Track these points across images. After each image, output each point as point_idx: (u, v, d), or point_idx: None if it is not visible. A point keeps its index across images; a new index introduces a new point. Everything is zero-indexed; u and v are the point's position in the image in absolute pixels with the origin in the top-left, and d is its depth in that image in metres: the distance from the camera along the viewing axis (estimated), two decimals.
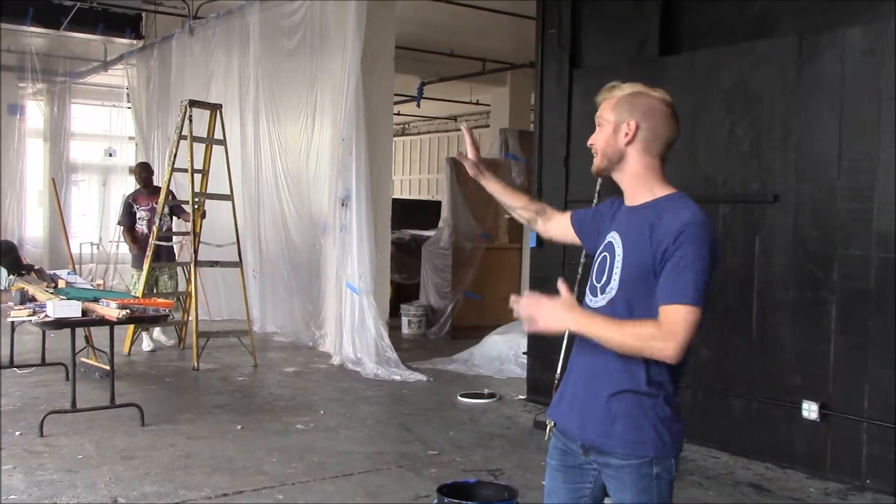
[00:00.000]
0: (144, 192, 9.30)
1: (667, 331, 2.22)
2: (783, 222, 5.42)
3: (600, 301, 2.40)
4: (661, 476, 2.32)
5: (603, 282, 2.41)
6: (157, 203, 8.83)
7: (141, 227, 9.18)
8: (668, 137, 2.41)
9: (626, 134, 2.39)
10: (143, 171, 9.50)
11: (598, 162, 2.46)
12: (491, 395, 7.30)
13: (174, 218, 9.20)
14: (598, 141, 2.45)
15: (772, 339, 5.50)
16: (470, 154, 2.86)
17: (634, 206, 2.43)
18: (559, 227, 2.80)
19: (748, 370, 5.61)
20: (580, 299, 2.46)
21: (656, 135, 2.39)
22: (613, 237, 2.43)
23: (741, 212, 5.66)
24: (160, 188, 9.02)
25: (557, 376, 6.07)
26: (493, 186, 2.94)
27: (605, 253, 2.44)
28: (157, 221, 8.71)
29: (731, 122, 5.72)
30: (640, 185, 2.42)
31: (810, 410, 5.22)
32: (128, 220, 9.28)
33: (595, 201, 5.91)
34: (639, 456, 2.32)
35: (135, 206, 9.23)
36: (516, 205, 2.94)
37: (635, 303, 2.32)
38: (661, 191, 2.40)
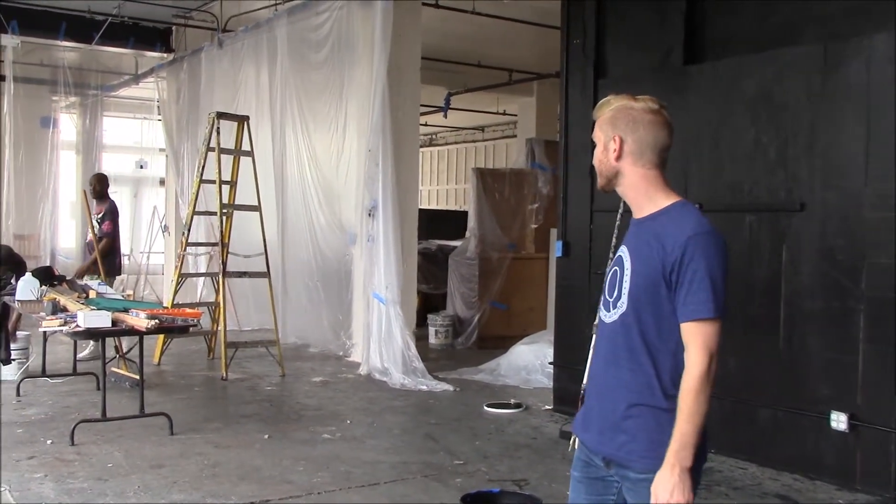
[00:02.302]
0: (97, 202, 9.33)
1: (702, 349, 2.25)
2: (810, 231, 5.38)
3: (612, 316, 2.43)
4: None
5: (614, 296, 2.43)
6: (97, 213, 9.05)
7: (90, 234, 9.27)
8: (657, 145, 2.41)
9: (614, 150, 2.43)
10: (95, 184, 9.41)
11: (599, 181, 2.51)
12: (517, 406, 7.29)
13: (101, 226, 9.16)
14: (595, 160, 2.50)
15: (799, 348, 5.45)
16: None
17: (640, 219, 2.45)
18: None
19: (775, 380, 5.57)
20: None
21: (643, 145, 2.41)
22: (623, 251, 2.46)
23: (767, 220, 5.62)
24: (107, 198, 9.23)
25: (583, 387, 6.06)
26: None
27: (616, 267, 2.46)
28: (95, 228, 8.97)
29: (757, 130, 5.69)
30: (641, 196, 2.44)
31: (839, 421, 5.16)
32: None
33: (620, 210, 5.91)
34: (655, 470, 2.31)
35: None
36: None
37: (643, 314, 2.35)
38: (663, 200, 2.41)
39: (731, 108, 5.88)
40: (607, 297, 2.48)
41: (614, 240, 6.00)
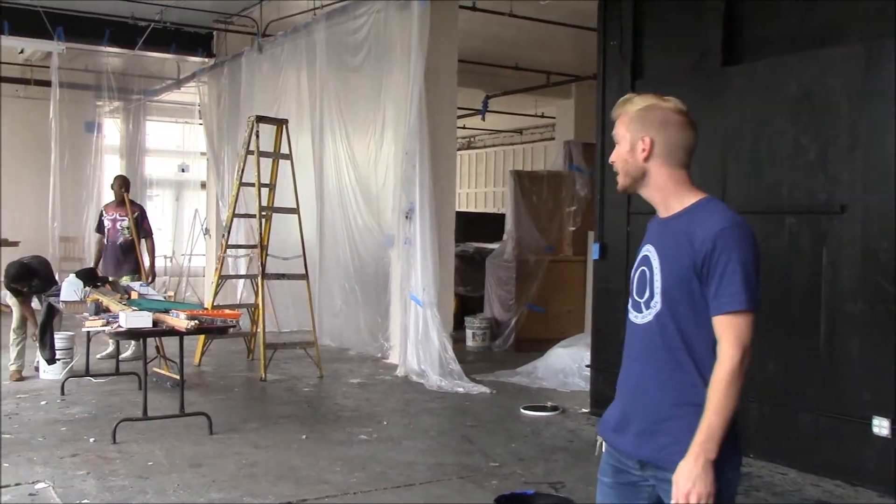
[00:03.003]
0: (114, 203, 9.40)
1: (735, 342, 2.23)
2: (851, 233, 5.30)
3: (646, 317, 2.40)
4: (722, 490, 2.28)
5: (646, 297, 2.41)
6: (121, 214, 9.15)
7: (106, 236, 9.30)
8: (686, 146, 2.41)
9: (643, 150, 2.40)
10: (121, 186, 9.42)
11: (621, 181, 2.47)
12: (554, 408, 7.27)
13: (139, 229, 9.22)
14: (618, 159, 2.45)
15: (840, 353, 5.37)
16: None
17: (667, 218, 2.43)
18: None
19: (816, 385, 5.49)
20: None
21: (673, 146, 2.40)
22: (649, 250, 2.44)
23: (807, 223, 5.55)
24: (131, 202, 9.30)
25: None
26: None
27: (643, 267, 2.44)
28: (119, 231, 9.09)
29: (796, 131, 5.63)
30: (669, 196, 2.43)
31: (881, 427, 5.08)
32: (99, 228, 9.44)
33: None
34: None
35: (104, 216, 9.38)
36: None
37: (679, 312, 2.33)
38: (690, 198, 2.41)
39: (770, 109, 5.82)
40: (636, 297, 2.45)
41: None
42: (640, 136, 2.41)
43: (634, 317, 2.46)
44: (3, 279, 8.11)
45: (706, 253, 2.26)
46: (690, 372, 2.32)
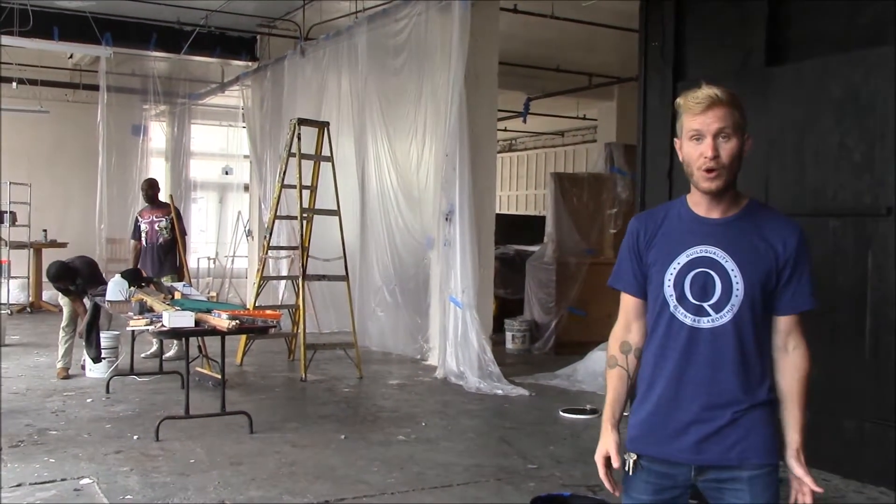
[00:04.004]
0: (149, 207, 9.55)
1: (805, 337, 2.41)
2: None
3: (716, 321, 2.34)
4: (780, 479, 2.37)
5: (715, 300, 2.34)
6: (157, 216, 9.29)
7: (142, 239, 9.42)
8: None
9: (748, 149, 2.37)
10: (150, 188, 9.60)
11: (727, 177, 2.32)
12: (593, 411, 7.22)
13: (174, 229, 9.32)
14: (726, 155, 2.30)
15: (886, 358, 5.27)
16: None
17: (727, 218, 2.39)
18: (642, 321, 2.52)
19: (860, 391, 5.40)
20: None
21: None
22: (712, 252, 2.36)
23: (852, 226, 5.46)
24: (164, 203, 9.42)
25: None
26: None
27: (703, 269, 2.36)
28: (158, 232, 9.22)
29: (842, 133, 5.54)
30: (732, 195, 2.40)
31: None
32: (135, 234, 9.57)
33: None
34: (770, 464, 2.37)
35: (140, 221, 9.52)
36: (625, 383, 2.54)
37: (756, 314, 2.36)
38: (742, 198, 2.41)
39: (815, 110, 5.73)
40: (696, 301, 2.36)
41: None
42: (747, 133, 2.36)
43: (694, 321, 2.36)
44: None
45: (790, 255, 2.34)
46: (761, 371, 2.37)
